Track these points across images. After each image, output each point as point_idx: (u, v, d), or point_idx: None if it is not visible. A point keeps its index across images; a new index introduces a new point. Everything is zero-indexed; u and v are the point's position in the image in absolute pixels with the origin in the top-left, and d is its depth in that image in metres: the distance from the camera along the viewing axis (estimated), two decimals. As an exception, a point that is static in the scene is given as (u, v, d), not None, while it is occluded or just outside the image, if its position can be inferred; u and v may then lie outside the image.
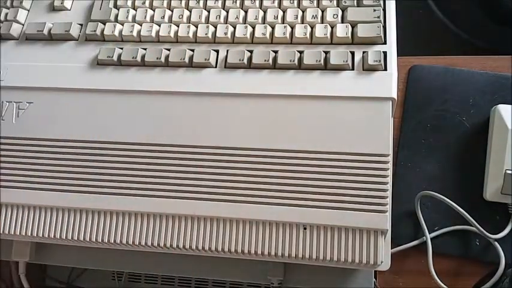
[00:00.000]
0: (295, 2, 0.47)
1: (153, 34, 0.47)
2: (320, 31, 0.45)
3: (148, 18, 0.48)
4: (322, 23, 0.45)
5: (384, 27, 0.44)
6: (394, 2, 0.46)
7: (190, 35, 0.46)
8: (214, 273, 0.48)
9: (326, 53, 0.44)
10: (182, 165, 0.42)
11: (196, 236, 0.41)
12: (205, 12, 0.47)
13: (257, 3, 0.47)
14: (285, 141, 0.42)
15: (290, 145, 0.41)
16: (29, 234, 0.44)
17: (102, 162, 0.43)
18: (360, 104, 0.42)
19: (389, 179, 0.40)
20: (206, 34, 0.46)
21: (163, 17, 0.48)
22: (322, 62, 0.43)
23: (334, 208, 0.40)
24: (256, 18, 0.46)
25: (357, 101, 0.42)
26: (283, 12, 0.46)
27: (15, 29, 0.49)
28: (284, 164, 0.41)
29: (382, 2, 0.45)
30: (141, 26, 0.47)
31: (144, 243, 0.42)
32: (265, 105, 0.43)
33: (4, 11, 0.51)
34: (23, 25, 0.50)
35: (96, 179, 0.43)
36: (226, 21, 0.47)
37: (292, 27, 0.45)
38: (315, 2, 0.46)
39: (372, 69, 0.43)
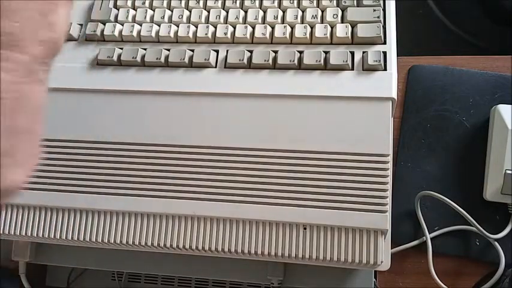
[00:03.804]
0: (295, 2, 0.46)
1: (153, 34, 0.47)
2: (320, 31, 0.45)
3: (148, 19, 0.48)
4: (322, 23, 0.45)
5: (384, 27, 0.44)
6: (394, 2, 0.46)
7: (190, 35, 0.46)
8: (214, 273, 0.48)
9: (326, 53, 0.44)
10: (182, 165, 0.42)
11: (196, 236, 0.41)
12: (205, 12, 0.47)
13: (257, 3, 0.47)
14: (284, 141, 0.42)
15: (290, 145, 0.41)
16: (29, 235, 0.44)
17: (102, 163, 0.43)
18: (359, 104, 0.42)
19: (389, 179, 0.40)
20: (206, 34, 0.46)
21: (163, 17, 0.48)
22: (322, 62, 0.43)
23: (334, 208, 0.40)
24: (256, 18, 0.46)
25: (357, 101, 0.42)
26: (283, 12, 0.46)
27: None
28: (284, 164, 0.41)
29: (382, 2, 0.45)
30: (141, 26, 0.47)
31: (144, 243, 0.42)
32: (265, 105, 0.43)
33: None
34: (23, 25, 0.50)
35: (95, 179, 0.43)
36: (226, 21, 0.47)
37: (292, 27, 0.45)
38: (315, 2, 0.46)
39: (372, 69, 0.43)
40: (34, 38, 0.26)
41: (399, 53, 0.44)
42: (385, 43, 0.44)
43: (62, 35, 0.28)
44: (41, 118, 0.27)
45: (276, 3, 0.47)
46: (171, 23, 0.47)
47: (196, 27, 0.47)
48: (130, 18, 0.48)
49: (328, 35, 0.44)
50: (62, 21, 0.28)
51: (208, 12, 0.47)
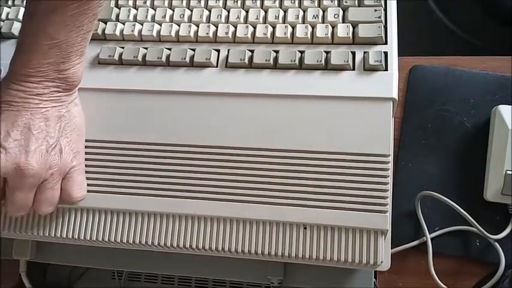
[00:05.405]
0: (296, 2, 0.47)
1: (154, 33, 0.47)
2: (321, 31, 0.45)
3: (149, 18, 0.48)
4: (323, 23, 0.45)
5: (385, 27, 0.44)
6: (395, 2, 0.46)
7: (192, 34, 0.46)
8: (214, 273, 0.48)
9: (327, 53, 0.44)
10: (181, 164, 0.42)
11: (197, 235, 0.41)
12: (206, 12, 0.47)
13: (258, 3, 0.47)
14: (285, 141, 0.42)
15: (290, 145, 0.41)
16: (30, 233, 0.44)
17: (101, 161, 0.43)
18: (360, 104, 0.42)
19: (390, 179, 0.40)
20: (207, 34, 0.46)
21: (165, 16, 0.48)
22: (323, 62, 0.43)
23: (334, 208, 0.40)
24: (257, 18, 0.46)
25: (358, 101, 0.42)
26: (284, 12, 0.46)
27: (17, 28, 0.49)
28: (284, 164, 0.41)
29: (383, 2, 0.45)
30: (142, 25, 0.47)
31: (144, 243, 0.42)
32: (266, 105, 0.43)
33: (5, 9, 0.51)
34: (24, 24, 0.50)
35: (96, 178, 0.43)
36: (227, 20, 0.47)
37: (293, 27, 0.45)
38: (316, 2, 0.46)
39: (373, 69, 0.43)
40: None
41: (400, 53, 0.44)
42: (386, 43, 0.44)
43: None
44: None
45: (277, 3, 0.47)
46: (172, 22, 0.47)
47: (198, 26, 0.47)
48: (131, 18, 0.48)
49: (329, 35, 0.44)
50: None
51: (210, 11, 0.47)
